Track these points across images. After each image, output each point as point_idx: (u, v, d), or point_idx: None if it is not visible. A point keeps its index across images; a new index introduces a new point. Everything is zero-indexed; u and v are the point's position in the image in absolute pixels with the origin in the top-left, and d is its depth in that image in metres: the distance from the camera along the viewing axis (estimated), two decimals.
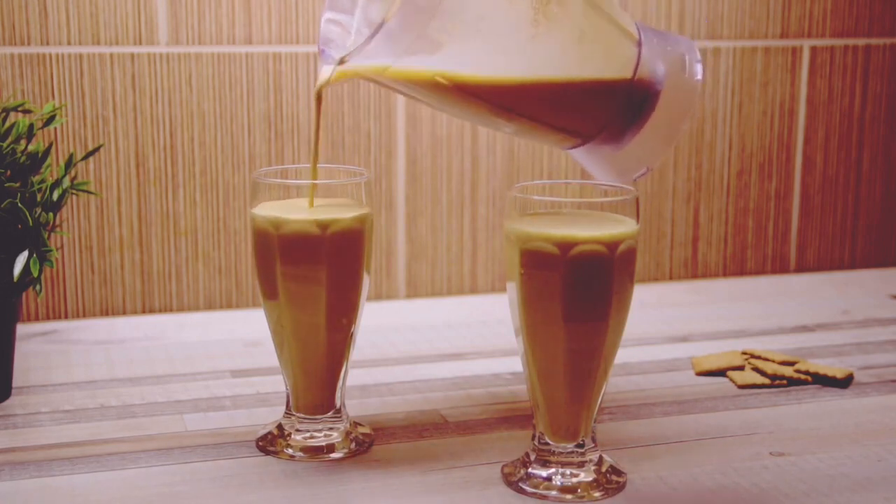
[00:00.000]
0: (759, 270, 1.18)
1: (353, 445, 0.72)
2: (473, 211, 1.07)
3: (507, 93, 0.68)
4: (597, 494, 0.66)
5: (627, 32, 0.71)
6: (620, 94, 0.71)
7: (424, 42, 0.65)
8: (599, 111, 0.71)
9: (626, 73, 0.71)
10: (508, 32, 0.67)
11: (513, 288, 0.66)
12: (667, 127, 0.72)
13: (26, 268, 0.76)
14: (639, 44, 0.71)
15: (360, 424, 0.75)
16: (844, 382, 0.84)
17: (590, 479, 0.66)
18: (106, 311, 1.00)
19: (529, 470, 0.67)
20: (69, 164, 0.80)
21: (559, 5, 0.67)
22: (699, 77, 0.73)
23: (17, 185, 0.76)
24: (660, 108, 0.71)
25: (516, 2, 0.67)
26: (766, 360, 0.88)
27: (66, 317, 0.99)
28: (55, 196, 0.78)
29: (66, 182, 0.79)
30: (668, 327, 0.99)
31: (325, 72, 0.69)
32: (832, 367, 0.86)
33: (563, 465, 0.67)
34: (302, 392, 0.72)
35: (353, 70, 0.67)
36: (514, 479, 0.67)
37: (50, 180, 0.79)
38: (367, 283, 0.72)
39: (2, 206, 0.74)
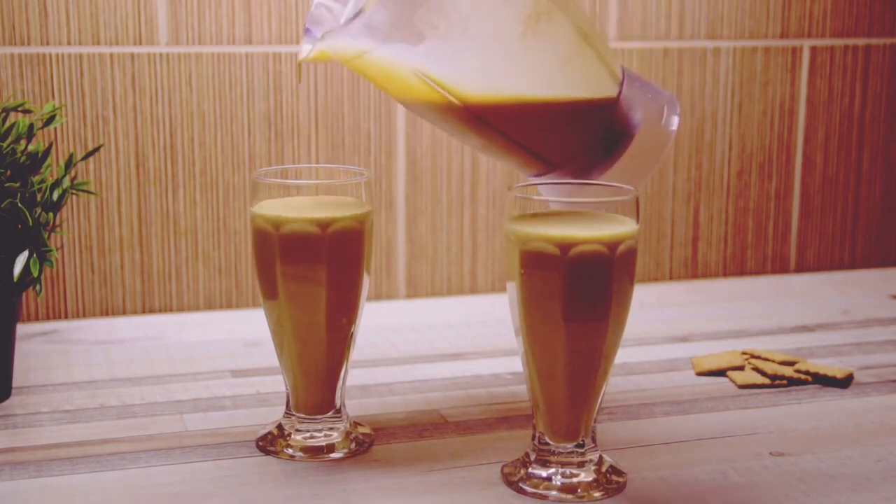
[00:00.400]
0: (759, 270, 1.18)
1: (353, 445, 0.72)
2: (473, 211, 1.07)
3: (481, 101, 0.68)
4: (597, 494, 0.66)
5: (612, 71, 0.71)
6: (595, 125, 0.70)
7: (408, 31, 0.65)
8: (571, 138, 0.71)
9: (604, 108, 0.70)
10: (493, 40, 0.67)
11: (513, 288, 0.65)
12: (634, 170, 0.72)
13: (26, 268, 0.76)
14: (620, 84, 0.71)
15: (360, 424, 0.75)
16: (844, 382, 0.84)
17: (590, 479, 0.66)
18: (106, 311, 1.00)
19: (529, 470, 0.67)
20: (69, 164, 0.80)
21: (549, 24, 0.67)
22: (674, 128, 0.72)
23: (17, 185, 0.76)
24: (631, 151, 0.71)
25: (507, 11, 0.66)
26: (766, 360, 0.88)
27: (66, 317, 0.99)
28: (55, 196, 0.78)
29: (66, 182, 0.79)
30: (668, 327, 0.99)
31: (305, 49, 0.68)
32: (832, 367, 0.86)
33: (563, 465, 0.67)
34: (302, 392, 0.72)
35: (333, 49, 0.66)
36: (514, 479, 0.67)
37: (50, 180, 0.79)
38: (367, 283, 0.72)
39: (2, 206, 0.74)
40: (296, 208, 0.69)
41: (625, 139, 0.71)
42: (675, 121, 0.72)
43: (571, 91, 0.69)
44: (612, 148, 0.71)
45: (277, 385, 0.83)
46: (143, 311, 1.01)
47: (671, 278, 1.15)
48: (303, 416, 0.72)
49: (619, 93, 0.71)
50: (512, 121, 0.69)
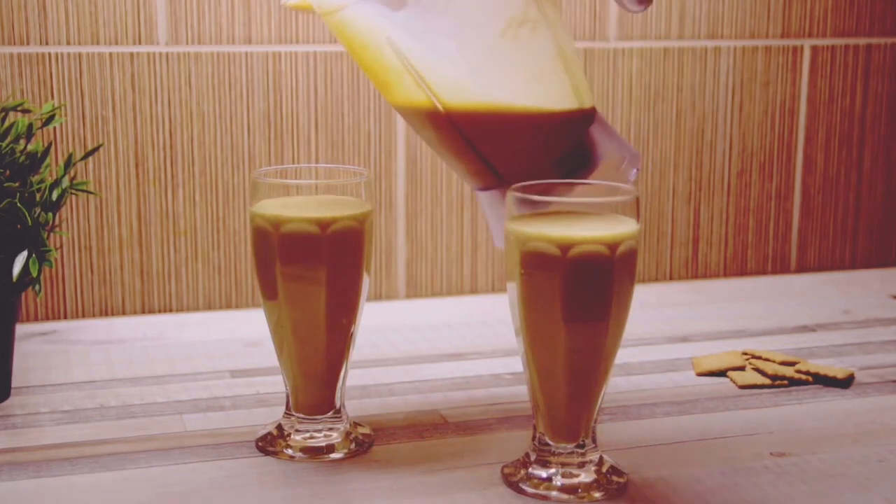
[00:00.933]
0: (760, 270, 1.17)
1: (352, 446, 0.72)
2: (473, 211, 1.07)
3: (444, 95, 0.67)
4: (597, 495, 0.65)
5: (583, 105, 0.70)
6: (554, 148, 0.69)
7: None
8: (528, 156, 0.69)
9: (566, 132, 0.69)
10: (472, 28, 0.66)
11: (513, 288, 0.65)
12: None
13: (25, 268, 0.76)
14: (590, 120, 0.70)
15: (360, 425, 0.75)
16: (845, 383, 0.84)
17: (590, 479, 0.66)
18: (105, 312, 1.00)
19: (529, 470, 0.67)
20: (68, 163, 0.79)
21: (531, 35, 0.66)
22: (631, 179, 0.71)
23: (17, 184, 0.75)
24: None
25: (493, 4, 0.66)
26: (767, 360, 0.88)
27: (66, 317, 0.99)
28: (54, 196, 0.78)
29: (66, 182, 0.79)
30: (668, 327, 0.98)
31: None
32: (833, 367, 0.86)
33: (564, 465, 0.66)
34: (301, 392, 0.72)
35: None
36: (514, 480, 0.67)
37: (49, 180, 0.78)
38: (366, 283, 0.72)
39: (1, 205, 0.74)
40: (295, 208, 0.69)
41: (582, 172, 0.70)
42: (634, 173, 0.71)
43: (536, 101, 0.68)
44: (568, 177, 0.70)
45: (277, 385, 0.82)
46: (143, 312, 1.01)
47: (671, 278, 1.15)
48: (302, 416, 0.72)
49: (587, 123, 0.70)
50: (471, 120, 0.68)
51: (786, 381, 0.84)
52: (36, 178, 0.78)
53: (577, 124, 0.69)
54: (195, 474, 0.68)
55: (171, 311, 1.01)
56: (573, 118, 0.69)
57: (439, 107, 0.67)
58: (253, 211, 0.70)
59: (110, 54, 0.96)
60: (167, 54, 0.97)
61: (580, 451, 0.66)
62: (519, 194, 0.66)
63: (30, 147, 0.79)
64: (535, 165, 0.69)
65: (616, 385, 0.83)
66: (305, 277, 0.69)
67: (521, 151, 0.69)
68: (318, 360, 0.71)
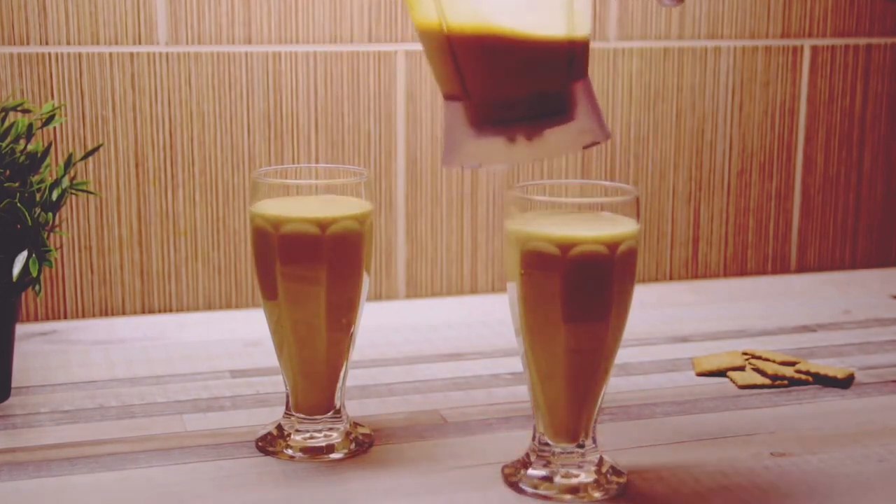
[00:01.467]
0: (760, 270, 1.17)
1: (352, 446, 0.72)
2: (473, 211, 1.07)
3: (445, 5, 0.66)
4: (597, 495, 0.65)
5: (574, 35, 0.69)
6: (533, 74, 0.68)
7: None
8: (501, 80, 0.68)
9: (551, 67, 0.67)
10: None
11: (513, 288, 0.65)
12: (542, 152, 0.69)
13: (25, 268, 0.76)
14: (578, 79, 0.69)
15: (360, 425, 0.75)
16: (845, 383, 0.84)
17: (590, 479, 0.66)
18: (105, 312, 1.00)
19: (529, 470, 0.67)
20: (68, 163, 0.79)
21: None
22: (582, 146, 0.70)
23: (17, 184, 0.75)
24: (552, 132, 0.69)
25: None
26: (767, 360, 0.88)
27: (66, 317, 0.99)
28: (54, 196, 0.78)
29: (66, 182, 0.79)
30: (668, 327, 0.98)
31: None
32: (833, 367, 0.86)
33: (564, 465, 0.66)
34: (301, 392, 0.72)
35: None
36: (514, 480, 0.67)
37: (49, 180, 0.78)
38: (366, 283, 0.72)
39: (1, 205, 0.74)
40: (295, 208, 0.69)
41: (549, 120, 0.68)
42: (588, 144, 0.70)
43: (528, 31, 0.67)
44: (535, 120, 0.68)
45: (277, 385, 0.82)
46: (143, 312, 1.01)
47: (671, 278, 1.15)
48: (302, 416, 0.72)
49: (573, 77, 0.68)
50: (465, 41, 0.67)
51: (786, 381, 0.84)
52: (36, 178, 0.78)
53: (561, 56, 0.68)
54: (195, 474, 0.68)
55: (171, 311, 1.01)
56: (559, 48, 0.68)
57: (444, 27, 0.66)
58: (253, 211, 0.70)
59: (110, 54, 0.96)
60: (167, 54, 0.97)
61: (580, 451, 0.66)
62: (519, 194, 0.66)
63: (30, 147, 0.79)
64: (505, 93, 0.68)
65: (616, 385, 0.83)
66: (305, 277, 0.69)
67: (498, 75, 0.68)
68: (318, 360, 0.71)
